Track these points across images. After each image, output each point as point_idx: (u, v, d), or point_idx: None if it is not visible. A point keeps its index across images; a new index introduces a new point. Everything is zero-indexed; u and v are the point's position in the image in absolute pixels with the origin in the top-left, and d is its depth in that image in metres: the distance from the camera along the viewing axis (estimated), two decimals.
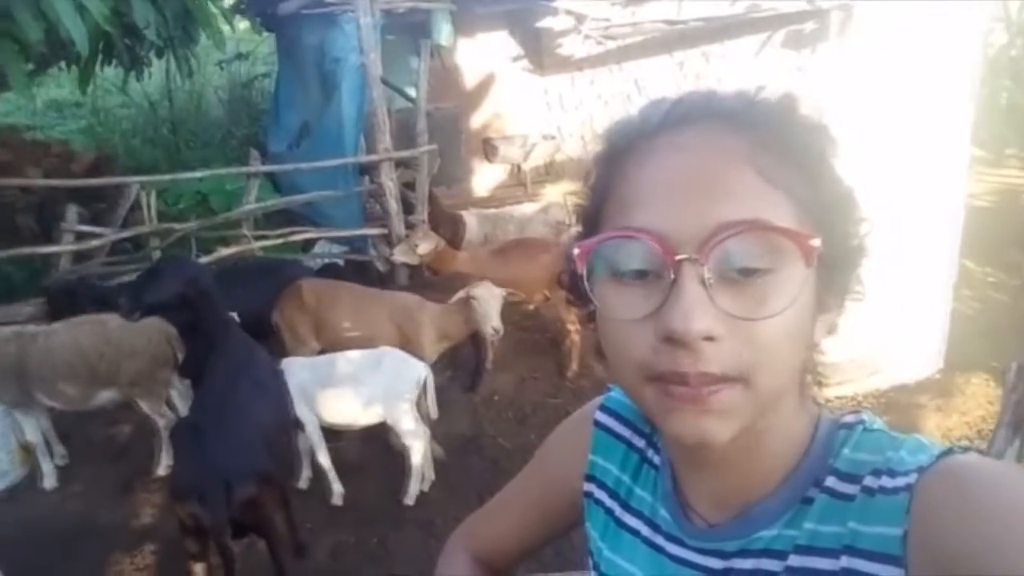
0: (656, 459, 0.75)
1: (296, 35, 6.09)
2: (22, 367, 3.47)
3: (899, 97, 3.49)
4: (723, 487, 0.65)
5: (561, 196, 6.68)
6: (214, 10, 5.24)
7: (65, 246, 4.63)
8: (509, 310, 5.00)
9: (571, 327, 4.66)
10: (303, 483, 3.65)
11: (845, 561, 0.55)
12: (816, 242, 0.53)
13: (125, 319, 3.36)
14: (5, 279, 5.43)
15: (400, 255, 4.63)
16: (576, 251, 0.59)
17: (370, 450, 3.92)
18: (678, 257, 0.53)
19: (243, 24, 9.56)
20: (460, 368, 4.64)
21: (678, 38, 5.19)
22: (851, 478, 0.58)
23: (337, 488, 3.54)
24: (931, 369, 4.36)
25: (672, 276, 0.53)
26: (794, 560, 0.59)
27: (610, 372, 0.62)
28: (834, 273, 0.58)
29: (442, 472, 3.71)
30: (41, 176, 6.14)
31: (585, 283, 0.59)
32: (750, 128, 0.56)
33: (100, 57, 4.88)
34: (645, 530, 0.73)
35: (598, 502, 0.79)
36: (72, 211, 4.66)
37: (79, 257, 4.84)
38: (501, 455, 3.95)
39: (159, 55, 5.98)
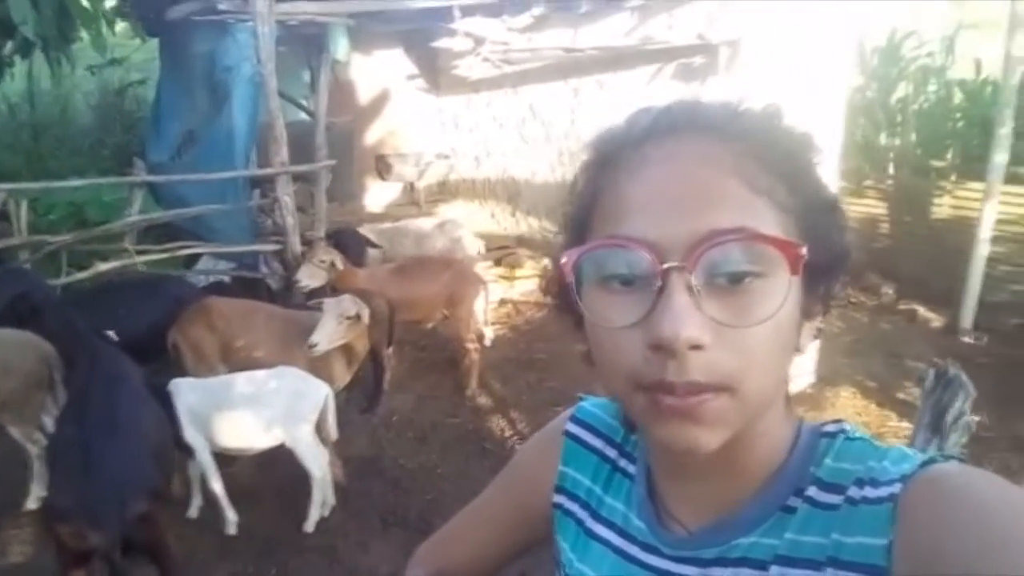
0: (630, 468, 0.76)
1: (183, 42, 5.82)
2: None
3: None
4: (705, 493, 0.65)
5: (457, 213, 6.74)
6: (93, 11, 4.95)
7: None
8: (406, 329, 4.97)
9: (470, 345, 4.68)
10: (193, 512, 3.44)
11: (830, 573, 0.56)
12: (804, 250, 0.54)
13: None
14: None
15: (306, 278, 4.47)
16: (564, 259, 0.59)
17: (264, 475, 3.75)
18: (666, 265, 0.53)
19: (117, 28, 9.03)
20: (357, 388, 4.55)
21: (574, 65, 5.37)
22: (834, 488, 0.59)
23: (231, 516, 3.36)
24: (804, 384, 4.68)
25: (660, 284, 0.54)
26: (775, 571, 0.59)
27: (600, 379, 0.62)
28: (819, 280, 0.59)
29: (343, 496, 3.61)
30: None
31: (573, 291, 0.60)
32: (736, 138, 0.57)
33: None
34: (616, 540, 0.73)
35: (568, 513, 0.79)
36: None
37: None
38: (402, 476, 3.90)
39: (25, 55, 5.56)
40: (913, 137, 6.60)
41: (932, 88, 6.77)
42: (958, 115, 6.60)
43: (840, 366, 4.89)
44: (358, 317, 3.70)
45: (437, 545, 0.96)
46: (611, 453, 0.78)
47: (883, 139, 6.72)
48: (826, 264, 0.59)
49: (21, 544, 3.29)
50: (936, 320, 5.71)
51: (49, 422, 3.62)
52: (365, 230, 5.69)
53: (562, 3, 5.09)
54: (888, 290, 6.09)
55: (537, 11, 5.35)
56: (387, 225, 5.95)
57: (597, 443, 0.80)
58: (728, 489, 0.64)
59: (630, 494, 0.74)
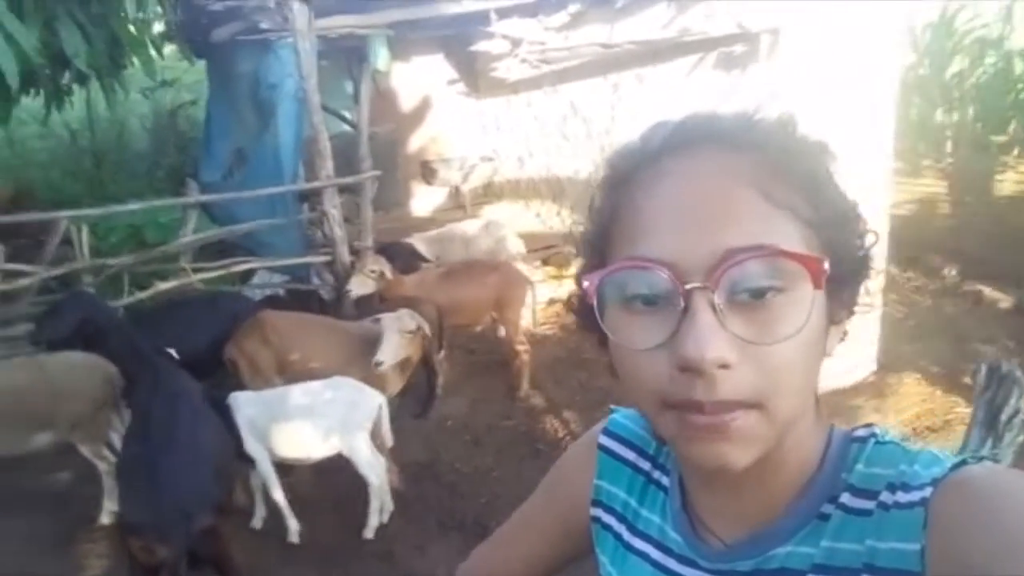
0: (664, 480, 0.76)
1: (229, 62, 5.97)
2: None
3: (825, 114, 3.66)
4: (738, 506, 0.65)
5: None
6: (141, 38, 5.11)
7: None
8: (456, 333, 5.01)
9: (520, 347, 4.69)
10: (257, 523, 3.54)
11: None
12: (826, 264, 0.54)
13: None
14: None
15: (356, 287, 4.54)
16: (586, 284, 0.59)
17: (324, 484, 3.83)
18: (688, 286, 0.53)
19: (166, 50, 9.32)
20: (410, 394, 4.60)
21: (612, 61, 5.32)
22: (866, 493, 0.59)
23: (293, 525, 3.45)
24: (865, 372, 4.55)
25: (683, 304, 0.54)
26: None
27: (625, 396, 0.62)
28: (844, 287, 0.59)
29: (400, 502, 3.66)
30: None
31: (596, 314, 0.60)
32: (752, 150, 0.57)
33: (23, 88, 4.69)
34: (654, 553, 0.73)
35: (606, 527, 0.79)
36: None
37: (5, 298, 4.60)
38: (458, 480, 3.93)
39: (81, 84, 5.78)
40: (971, 112, 6.35)
41: (990, 60, 6.50)
42: (1020, 86, 6.32)
43: (903, 352, 4.74)
44: (418, 330, 3.75)
45: (483, 555, 0.98)
46: (645, 465, 0.79)
47: (939, 116, 6.49)
48: (850, 271, 0.59)
49: (97, 557, 3.43)
50: (1004, 300, 5.48)
51: (117, 439, 3.77)
52: (413, 240, 5.74)
53: None
54: (951, 272, 5.87)
55: (573, 8, 5.31)
56: (433, 232, 5.99)
57: (630, 455, 0.80)
58: (762, 501, 0.64)
59: (665, 507, 0.74)
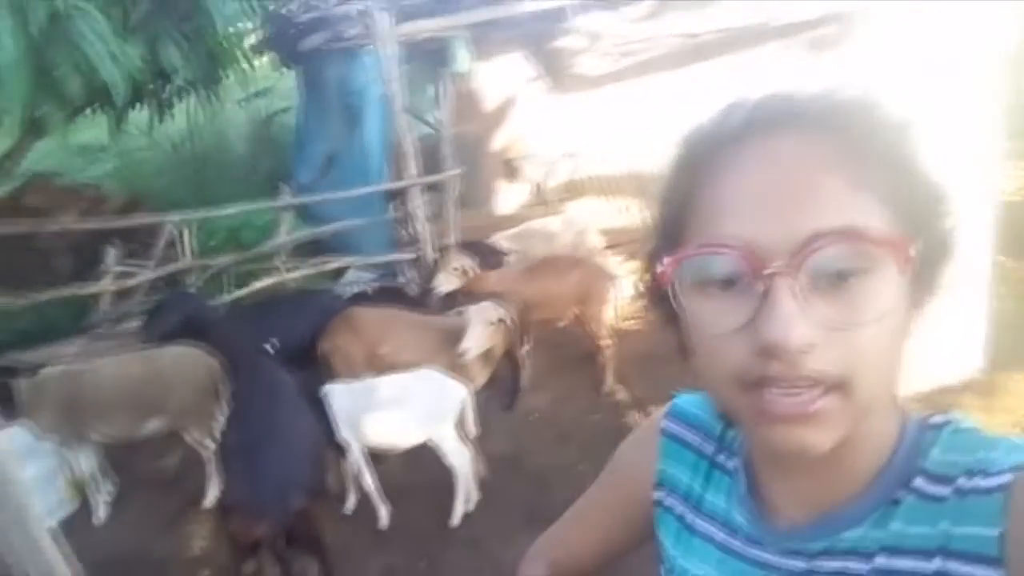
0: (729, 464, 0.75)
1: (317, 69, 6.22)
2: (75, 403, 3.55)
3: (924, 96, 3.48)
4: (811, 489, 0.64)
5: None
6: (235, 51, 5.37)
7: (105, 286, 4.73)
8: (540, 328, 5.03)
9: (604, 342, 4.66)
10: (349, 507, 3.66)
11: (939, 563, 0.55)
12: (912, 249, 0.53)
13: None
14: (48, 320, 5.53)
15: (442, 283, 4.63)
16: (661, 268, 0.59)
17: (412, 473, 3.92)
18: (769, 270, 0.53)
19: (258, 61, 9.76)
20: (496, 388, 4.65)
21: (696, 51, 5.23)
22: (942, 479, 0.58)
23: (383, 511, 3.55)
24: (973, 368, 4.30)
25: (763, 288, 0.53)
26: (881, 561, 0.59)
27: (700, 378, 0.61)
28: (928, 269, 0.58)
29: (485, 492, 3.71)
30: (75, 220, 6.28)
31: (672, 298, 0.59)
32: (836, 131, 0.55)
33: (130, 102, 5.02)
34: (719, 535, 0.73)
35: (669, 509, 0.80)
36: (111, 252, 4.77)
37: (119, 296, 4.94)
38: (543, 473, 3.94)
39: (182, 97, 6.13)
40: None
41: None
42: None
43: (1014, 348, 4.44)
44: (502, 321, 3.80)
45: (551, 538, 1.00)
46: (709, 448, 0.79)
47: None
48: (934, 253, 0.57)
49: (200, 539, 3.64)
50: None
51: (219, 428, 3.99)
52: (496, 238, 5.75)
53: None
54: None
55: None
56: (514, 229, 6.01)
57: (695, 439, 0.80)
58: (835, 484, 0.63)
59: (731, 489, 0.74)
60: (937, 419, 0.63)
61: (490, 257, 5.38)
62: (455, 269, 4.61)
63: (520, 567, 1.00)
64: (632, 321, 5.60)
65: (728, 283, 0.56)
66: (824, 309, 0.52)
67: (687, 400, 0.83)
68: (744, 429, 0.66)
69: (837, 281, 0.53)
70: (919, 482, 0.59)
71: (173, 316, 3.79)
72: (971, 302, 4.13)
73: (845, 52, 3.80)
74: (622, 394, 4.62)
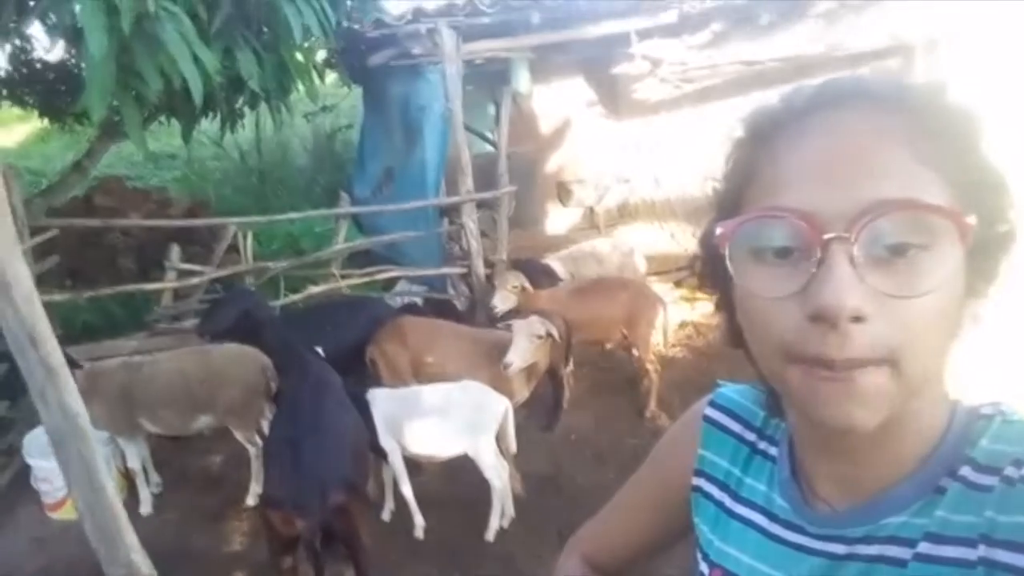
0: (771, 450, 0.76)
1: (383, 86, 6.37)
2: (129, 395, 3.69)
3: (994, 126, 3.41)
4: (855, 473, 0.64)
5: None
6: (307, 64, 5.55)
7: (168, 283, 4.92)
8: (585, 350, 5.02)
9: (649, 366, 4.63)
10: (386, 515, 3.70)
11: (983, 550, 0.54)
12: (972, 219, 0.52)
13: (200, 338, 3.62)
14: (109, 316, 5.77)
15: (500, 303, 4.64)
16: (719, 231, 0.59)
17: (450, 485, 3.95)
18: (826, 236, 0.53)
19: (327, 78, 10.05)
20: (537, 406, 4.66)
21: (756, 79, 5.21)
22: (989, 469, 0.58)
23: (419, 521, 3.57)
24: None
25: (820, 255, 0.53)
26: (924, 547, 0.58)
27: (750, 349, 0.62)
28: (984, 257, 0.58)
29: (521, 510, 3.71)
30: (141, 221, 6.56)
31: (727, 263, 0.60)
32: (904, 110, 0.56)
33: (203, 109, 5.22)
34: (759, 519, 0.73)
35: (707, 495, 0.80)
36: (175, 250, 4.96)
37: (178, 295, 5.14)
38: (579, 493, 3.92)
39: (252, 107, 6.35)
40: None
41: None
42: None
43: None
44: (547, 335, 3.82)
45: (590, 531, 1.01)
46: (750, 436, 0.79)
47: None
48: (993, 241, 0.58)
49: (242, 535, 3.72)
50: None
51: (267, 426, 4.09)
52: (549, 260, 5.78)
53: (742, 17, 4.98)
54: None
55: (716, 27, 5.27)
56: (566, 251, 6.03)
57: (736, 427, 0.81)
58: (879, 469, 0.63)
59: (772, 475, 0.75)
60: (987, 409, 0.62)
61: (540, 276, 5.41)
62: (513, 287, 4.64)
63: (557, 564, 1.00)
64: (677, 348, 5.56)
65: (785, 252, 0.56)
66: (879, 279, 0.52)
67: (730, 389, 0.84)
68: (790, 405, 0.66)
69: (895, 254, 0.53)
70: (966, 471, 0.58)
71: (232, 310, 3.91)
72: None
73: None
74: (663, 419, 4.58)
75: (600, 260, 5.70)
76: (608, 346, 5.11)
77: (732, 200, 0.64)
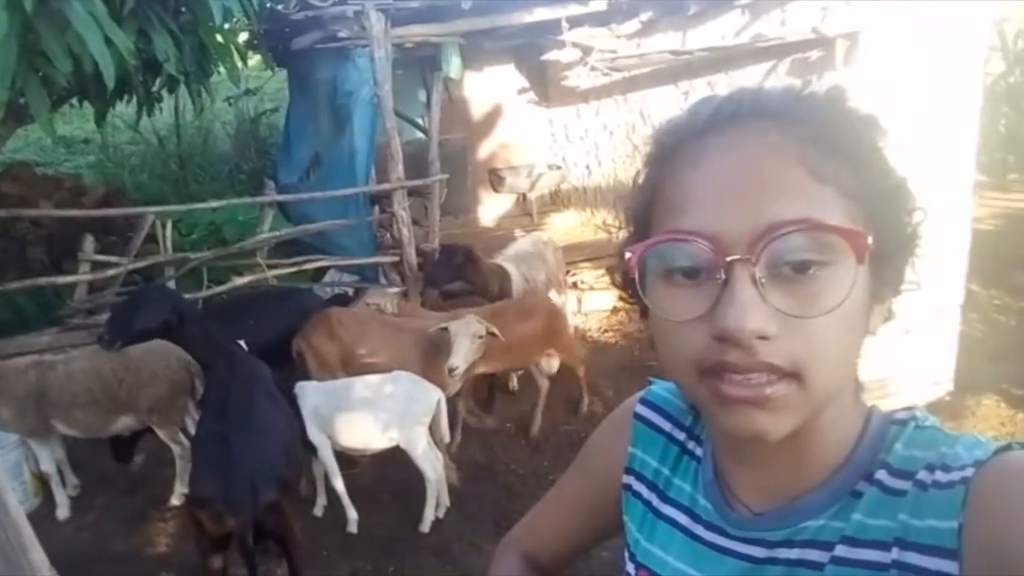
0: (698, 451, 0.76)
1: (308, 69, 6.20)
2: (41, 395, 3.50)
3: (903, 123, 3.55)
4: (771, 479, 0.65)
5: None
6: (227, 46, 5.34)
7: (82, 276, 4.67)
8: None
9: (580, 365, 4.56)
10: (318, 511, 3.64)
11: (896, 553, 0.55)
12: (869, 239, 0.53)
13: (106, 350, 3.38)
14: (18, 310, 5.46)
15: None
16: (628, 255, 0.60)
17: (383, 478, 3.91)
18: (729, 258, 0.53)
19: (251, 61, 9.73)
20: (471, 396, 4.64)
21: (684, 68, 5.28)
22: (902, 474, 0.59)
23: (352, 515, 3.53)
24: (941, 391, 4.36)
25: (724, 276, 0.54)
26: (840, 550, 0.59)
27: (663, 367, 0.62)
28: (888, 264, 0.58)
29: (457, 499, 3.71)
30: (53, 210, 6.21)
31: (638, 286, 0.60)
32: (799, 124, 0.56)
33: (117, 92, 4.96)
34: (683, 519, 0.74)
35: (636, 494, 0.80)
36: (89, 241, 4.72)
37: (93, 288, 4.89)
38: (515, 481, 3.94)
39: (171, 91, 6.09)
40: None
41: None
42: None
43: (982, 373, 4.52)
44: (489, 334, 3.77)
45: (525, 528, 0.99)
46: (680, 435, 0.79)
47: None
48: (895, 248, 0.59)
49: (167, 536, 3.60)
50: None
51: (191, 424, 3.94)
52: (500, 261, 5.18)
53: (670, 6, 5.03)
54: None
55: (645, 16, 5.31)
56: (511, 251, 5.36)
57: (666, 426, 0.81)
58: (794, 475, 0.64)
59: (697, 475, 0.75)
60: (901, 415, 0.63)
61: (466, 263, 5.16)
62: (368, 304, 4.55)
63: (492, 563, 0.98)
64: (609, 334, 5.63)
65: (692, 273, 0.56)
66: (782, 299, 0.53)
67: (662, 387, 0.84)
68: (704, 415, 0.67)
69: (797, 272, 0.53)
70: (881, 475, 0.60)
71: (147, 310, 3.65)
72: (941, 326, 4.20)
73: (827, 77, 3.86)
74: (596, 406, 4.64)
75: (545, 260, 5.51)
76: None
77: (642, 217, 0.64)
